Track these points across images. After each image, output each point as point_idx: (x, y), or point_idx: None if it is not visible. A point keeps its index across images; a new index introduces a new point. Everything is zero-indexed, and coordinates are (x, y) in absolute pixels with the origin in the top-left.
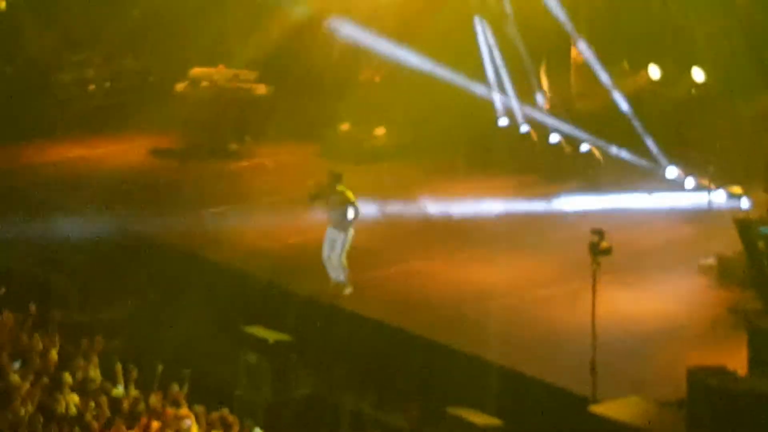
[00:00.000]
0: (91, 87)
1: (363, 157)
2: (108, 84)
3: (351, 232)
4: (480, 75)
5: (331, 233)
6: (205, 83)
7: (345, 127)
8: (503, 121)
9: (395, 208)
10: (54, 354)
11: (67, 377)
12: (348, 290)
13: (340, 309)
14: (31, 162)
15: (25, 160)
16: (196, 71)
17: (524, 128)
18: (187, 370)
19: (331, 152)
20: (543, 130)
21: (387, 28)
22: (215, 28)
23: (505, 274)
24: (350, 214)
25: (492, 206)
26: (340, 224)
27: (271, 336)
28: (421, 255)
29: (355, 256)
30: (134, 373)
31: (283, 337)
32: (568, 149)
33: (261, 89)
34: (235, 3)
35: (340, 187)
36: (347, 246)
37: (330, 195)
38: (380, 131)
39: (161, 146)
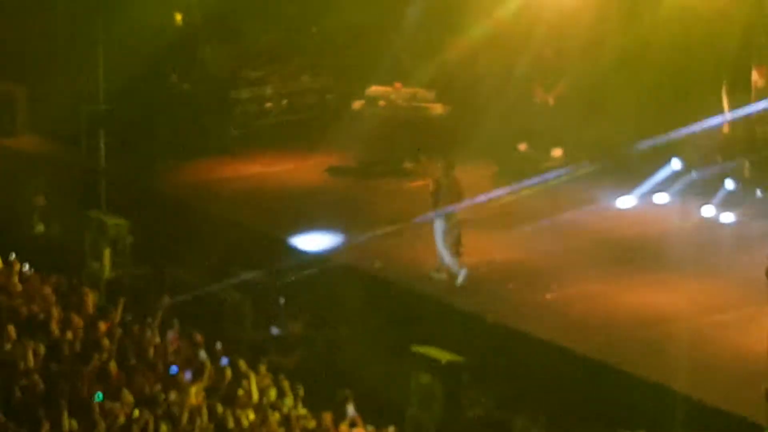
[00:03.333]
0: (269, 105)
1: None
2: (285, 102)
3: (446, 221)
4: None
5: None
6: (382, 102)
7: (522, 147)
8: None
9: (568, 227)
10: (228, 372)
11: (241, 393)
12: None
13: (514, 330)
14: (207, 178)
15: (202, 176)
16: (374, 90)
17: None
18: (349, 389)
19: (508, 172)
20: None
21: (572, 48)
22: (394, 47)
23: (677, 296)
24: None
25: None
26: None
27: (443, 356)
28: (593, 276)
29: (524, 276)
30: (301, 392)
31: (455, 357)
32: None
33: (438, 109)
34: (414, 22)
35: (445, 176)
36: (445, 233)
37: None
38: (557, 152)
39: (337, 164)
